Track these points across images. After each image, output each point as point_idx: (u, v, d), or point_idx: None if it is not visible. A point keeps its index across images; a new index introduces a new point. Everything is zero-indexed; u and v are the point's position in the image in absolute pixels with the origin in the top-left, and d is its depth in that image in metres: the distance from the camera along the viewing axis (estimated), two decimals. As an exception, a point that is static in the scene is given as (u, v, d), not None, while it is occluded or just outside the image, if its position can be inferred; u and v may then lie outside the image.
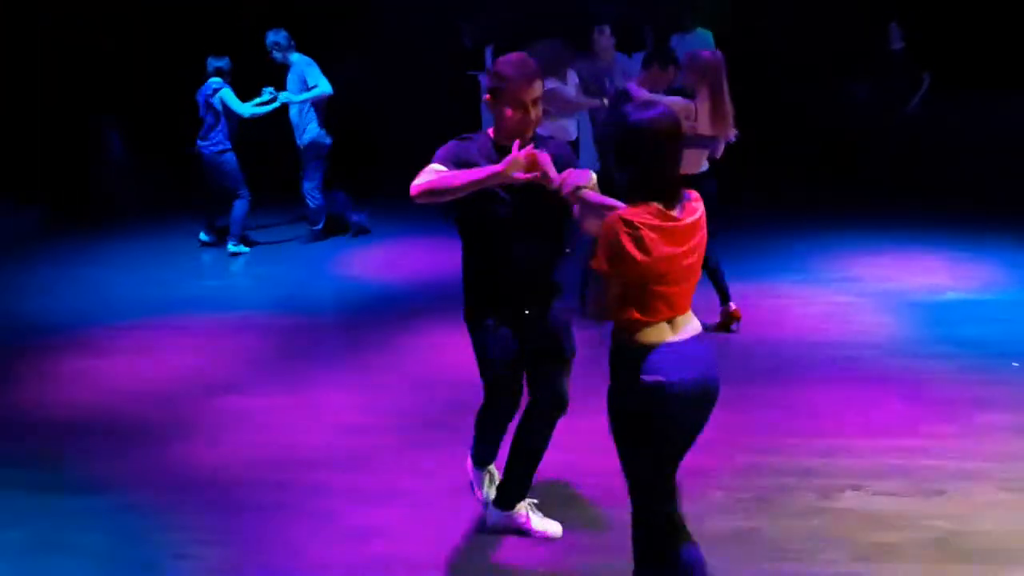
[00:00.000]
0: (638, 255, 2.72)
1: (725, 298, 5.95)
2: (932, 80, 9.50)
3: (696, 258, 2.88)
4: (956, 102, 10.09)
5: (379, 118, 12.21)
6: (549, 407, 3.55)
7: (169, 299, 7.13)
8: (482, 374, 3.56)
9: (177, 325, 6.52)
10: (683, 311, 2.90)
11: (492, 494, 3.82)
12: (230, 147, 8.25)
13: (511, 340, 3.46)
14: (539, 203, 3.20)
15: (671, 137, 2.81)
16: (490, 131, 3.43)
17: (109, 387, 5.45)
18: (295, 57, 8.09)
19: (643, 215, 2.74)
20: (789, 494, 4.02)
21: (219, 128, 8.16)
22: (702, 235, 2.89)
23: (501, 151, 3.27)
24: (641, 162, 2.80)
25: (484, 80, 11.68)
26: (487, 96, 3.32)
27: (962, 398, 4.89)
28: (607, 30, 7.68)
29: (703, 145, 5.55)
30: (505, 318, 3.45)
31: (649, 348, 2.82)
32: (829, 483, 4.08)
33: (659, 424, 2.84)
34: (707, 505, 3.92)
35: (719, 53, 5.54)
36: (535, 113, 3.27)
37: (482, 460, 3.88)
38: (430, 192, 3.18)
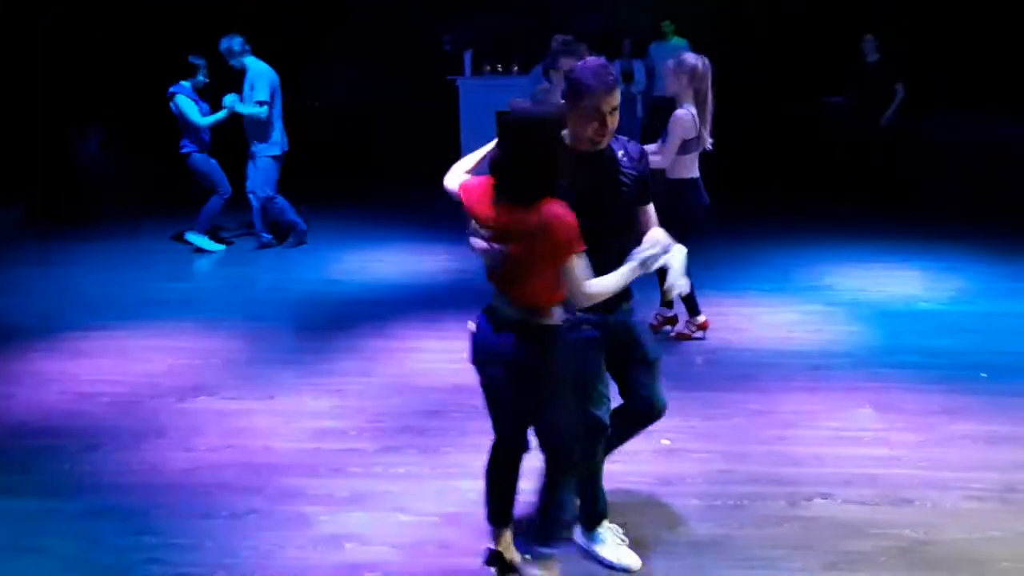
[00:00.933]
0: None
1: (693, 311, 5.99)
2: (907, 93, 9.62)
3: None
4: (931, 116, 10.25)
5: (360, 123, 12.22)
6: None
7: (140, 301, 7.07)
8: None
9: (148, 327, 6.46)
10: None
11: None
12: (196, 149, 8.23)
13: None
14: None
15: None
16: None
17: (79, 390, 5.40)
18: (248, 61, 8.03)
19: None
20: (760, 502, 4.05)
21: (187, 131, 8.16)
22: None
23: (580, 159, 3.25)
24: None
25: (462, 84, 11.73)
26: (563, 101, 3.27)
27: (931, 408, 4.95)
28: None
29: (694, 149, 5.60)
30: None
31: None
32: (799, 491, 4.12)
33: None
34: (680, 512, 3.95)
35: (705, 58, 5.57)
36: (612, 122, 3.24)
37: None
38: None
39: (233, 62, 7.98)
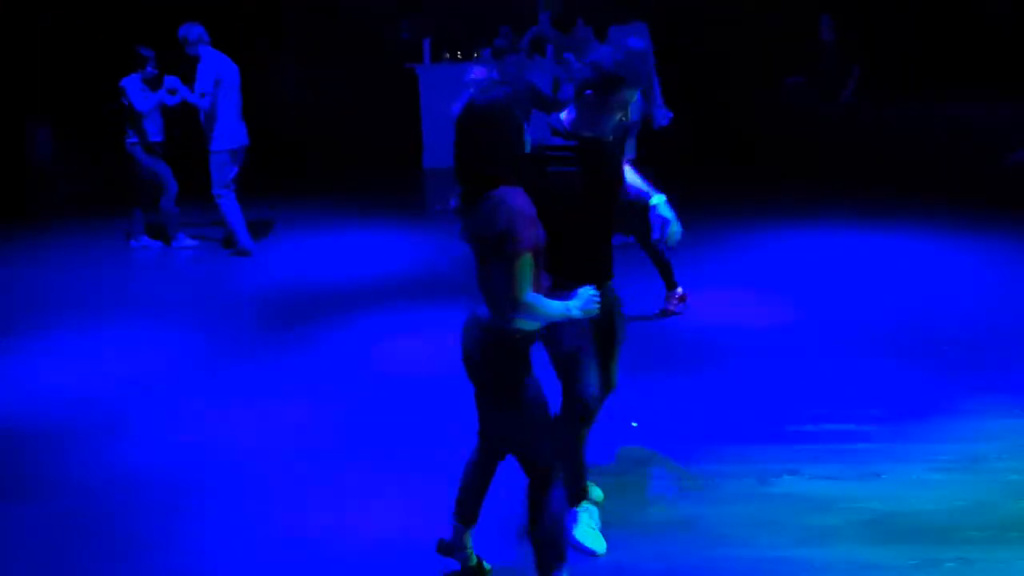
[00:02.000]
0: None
1: (671, 284, 6.06)
2: (864, 73, 9.71)
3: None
4: (888, 96, 10.37)
5: (318, 112, 12.11)
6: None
7: (103, 299, 6.97)
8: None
9: (109, 324, 6.37)
10: None
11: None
12: (136, 141, 8.04)
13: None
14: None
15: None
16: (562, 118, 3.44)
17: (40, 390, 5.31)
18: (203, 51, 7.84)
19: None
20: (729, 480, 4.08)
21: (133, 124, 8.02)
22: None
23: (586, 145, 3.34)
24: None
25: (421, 72, 11.65)
26: (589, 92, 3.30)
27: (895, 381, 5.01)
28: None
29: (633, 131, 5.66)
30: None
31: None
32: (767, 468, 4.16)
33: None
34: (650, 492, 3.97)
35: (643, 43, 5.61)
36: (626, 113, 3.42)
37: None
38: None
39: (189, 51, 7.81)
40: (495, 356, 2.98)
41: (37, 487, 4.23)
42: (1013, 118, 9.70)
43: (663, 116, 6.81)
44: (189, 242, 8.38)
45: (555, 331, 3.25)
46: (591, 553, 3.56)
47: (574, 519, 3.64)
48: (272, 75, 11.37)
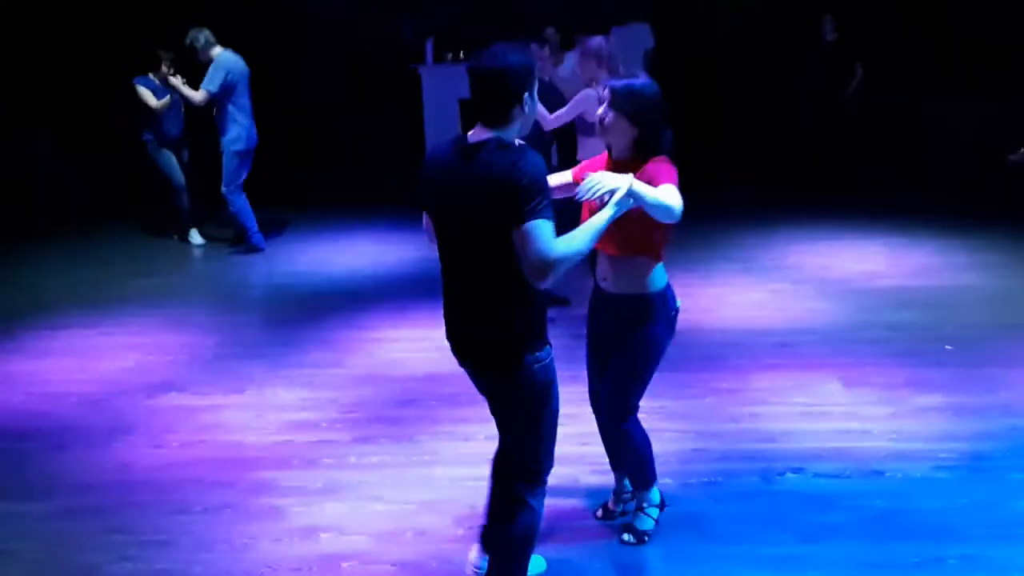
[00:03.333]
0: None
1: None
2: (867, 73, 9.70)
3: None
4: (892, 96, 10.37)
5: (323, 113, 12.12)
6: None
7: (104, 298, 6.97)
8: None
9: (113, 324, 6.38)
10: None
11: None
12: (151, 139, 8.19)
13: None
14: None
15: None
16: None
17: (45, 390, 5.32)
18: (215, 54, 7.82)
19: None
20: (733, 478, 4.09)
21: (147, 121, 8.12)
22: None
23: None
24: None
25: (424, 72, 11.65)
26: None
27: (898, 381, 5.02)
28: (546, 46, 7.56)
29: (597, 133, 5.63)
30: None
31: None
32: (771, 467, 4.16)
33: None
34: (654, 492, 3.97)
35: (602, 39, 5.61)
36: None
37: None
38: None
39: (200, 57, 7.81)
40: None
41: (43, 486, 4.24)
42: (1014, 117, 9.70)
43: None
44: (198, 239, 8.44)
45: None
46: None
47: None
48: (276, 74, 11.36)
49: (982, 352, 5.37)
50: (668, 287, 3.42)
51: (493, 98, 2.78)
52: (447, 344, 3.06)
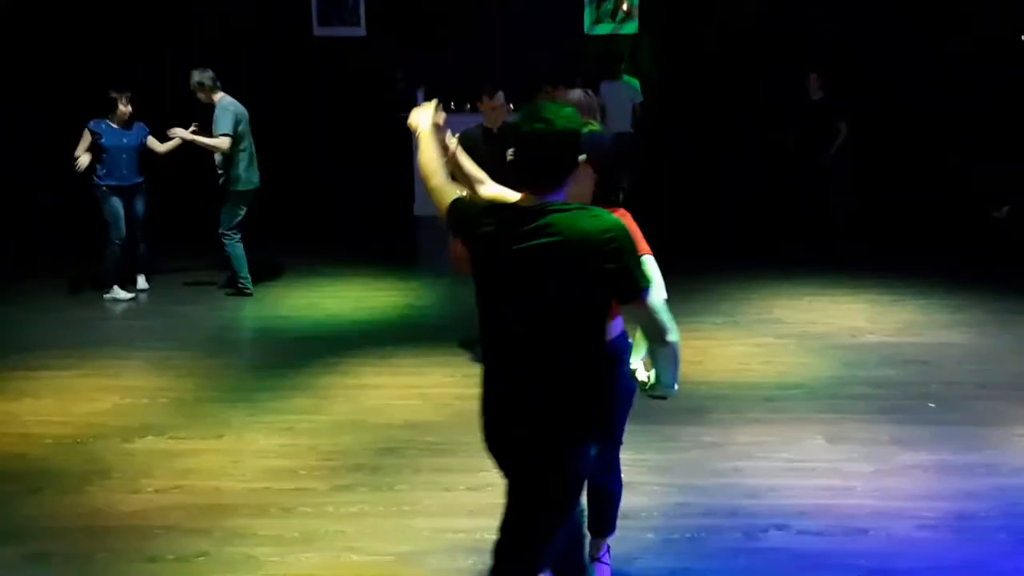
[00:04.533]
0: None
1: None
2: (852, 131, 9.84)
3: None
4: (872, 155, 10.54)
5: (317, 161, 12.17)
6: None
7: (82, 339, 6.90)
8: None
9: (91, 366, 6.31)
10: None
11: None
12: (99, 183, 7.84)
13: None
14: None
15: None
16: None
17: (21, 431, 5.24)
18: (218, 95, 7.87)
19: None
20: (717, 534, 4.05)
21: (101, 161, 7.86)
22: None
23: None
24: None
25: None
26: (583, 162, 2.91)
27: (882, 438, 5.00)
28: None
29: None
30: None
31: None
32: (755, 523, 4.13)
33: None
34: (638, 546, 3.92)
35: (583, 92, 5.66)
36: None
37: None
38: None
39: (202, 96, 7.82)
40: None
41: (15, 529, 4.15)
42: (1002, 176, 9.86)
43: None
44: (123, 295, 8.04)
45: None
46: None
47: None
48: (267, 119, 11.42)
49: (965, 410, 5.37)
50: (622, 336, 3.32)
51: None
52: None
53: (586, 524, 3.36)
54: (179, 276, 8.65)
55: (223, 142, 7.68)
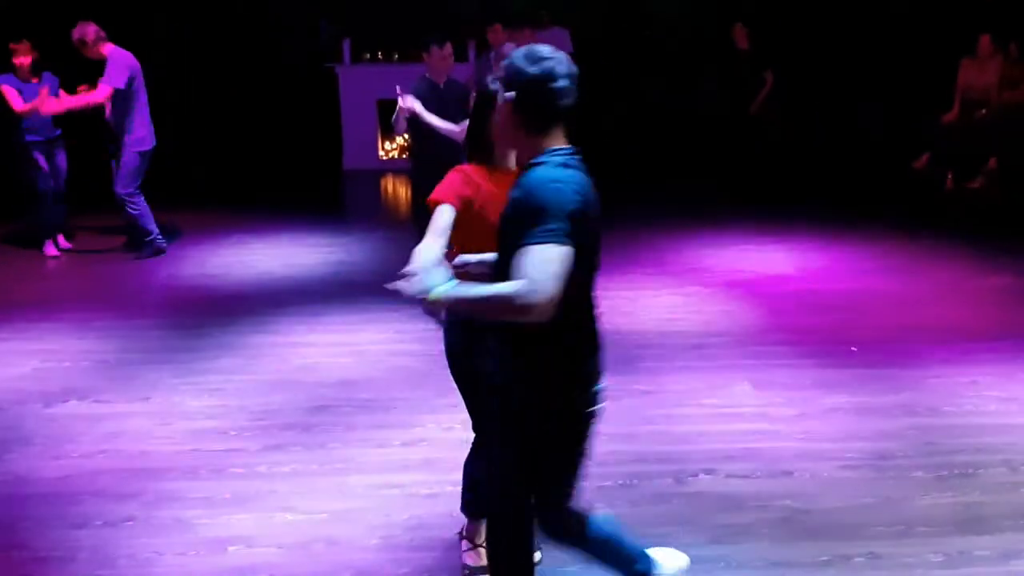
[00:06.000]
0: None
1: None
2: (779, 81, 9.94)
3: None
4: (803, 104, 10.68)
5: (238, 115, 11.87)
6: None
7: (9, 304, 6.67)
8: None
9: (9, 329, 6.11)
10: None
11: None
12: (18, 140, 7.60)
13: None
14: None
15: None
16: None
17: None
18: (106, 49, 7.36)
19: None
20: (648, 480, 4.13)
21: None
22: None
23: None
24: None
25: (341, 72, 11.50)
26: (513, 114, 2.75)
27: (805, 382, 5.13)
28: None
29: None
30: None
31: None
32: (685, 468, 4.21)
33: None
34: (569, 496, 3.97)
35: (512, 46, 5.61)
36: None
37: None
38: None
39: (89, 53, 7.41)
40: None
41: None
42: (917, 126, 10.10)
43: None
44: (51, 251, 7.86)
45: None
46: None
47: None
48: (183, 72, 11.08)
49: (886, 353, 5.53)
50: None
51: None
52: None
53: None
54: (99, 236, 8.40)
55: (98, 93, 7.30)
